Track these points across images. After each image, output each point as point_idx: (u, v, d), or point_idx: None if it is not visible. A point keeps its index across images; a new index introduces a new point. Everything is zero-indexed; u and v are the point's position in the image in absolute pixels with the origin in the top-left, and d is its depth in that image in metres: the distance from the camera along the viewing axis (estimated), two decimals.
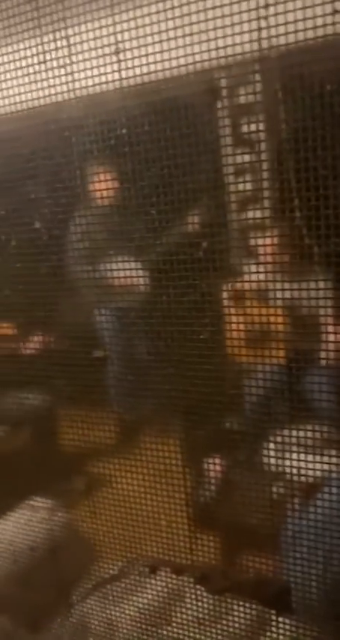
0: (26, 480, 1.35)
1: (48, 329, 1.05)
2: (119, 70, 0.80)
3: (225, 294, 0.98)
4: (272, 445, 0.98)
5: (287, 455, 0.96)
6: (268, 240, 0.93)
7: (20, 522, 1.38)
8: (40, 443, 1.28)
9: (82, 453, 1.18)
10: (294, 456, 0.94)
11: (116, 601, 1.29)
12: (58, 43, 0.82)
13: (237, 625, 1.14)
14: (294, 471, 0.93)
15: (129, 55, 0.80)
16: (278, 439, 0.96)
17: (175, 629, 1.21)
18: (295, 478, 0.95)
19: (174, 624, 1.22)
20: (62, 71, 0.84)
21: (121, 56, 0.79)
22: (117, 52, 0.80)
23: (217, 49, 0.76)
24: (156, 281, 0.91)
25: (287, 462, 0.96)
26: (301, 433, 0.92)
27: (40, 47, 0.83)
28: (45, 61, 0.84)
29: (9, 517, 1.40)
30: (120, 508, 1.16)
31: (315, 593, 0.98)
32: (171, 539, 1.14)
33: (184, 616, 1.20)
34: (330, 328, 0.85)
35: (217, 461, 1.14)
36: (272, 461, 0.99)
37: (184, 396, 0.97)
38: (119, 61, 0.80)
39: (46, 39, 0.83)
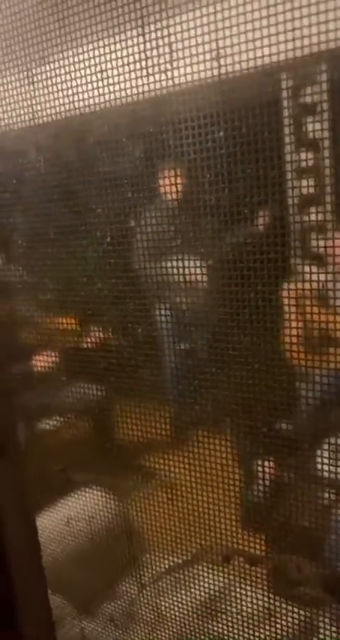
0: (103, 466, 1.42)
1: (137, 321, 1.09)
2: (219, 67, 0.82)
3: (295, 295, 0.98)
4: None
5: None
6: None
7: (97, 504, 1.45)
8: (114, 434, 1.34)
9: (159, 444, 1.23)
10: None
11: (187, 586, 1.33)
12: (160, 42, 0.85)
13: (308, 620, 1.15)
14: None
15: (228, 50, 0.81)
16: None
17: (245, 621, 1.24)
18: None
19: (244, 613, 1.25)
20: (161, 69, 0.86)
21: (221, 52, 0.81)
22: (218, 57, 0.82)
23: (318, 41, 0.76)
24: (242, 279, 0.93)
25: None
26: None
27: (141, 45, 0.86)
28: (146, 58, 0.87)
29: (86, 495, 1.47)
30: (197, 497, 1.19)
31: None
32: (245, 531, 1.17)
33: (255, 607, 1.23)
34: None
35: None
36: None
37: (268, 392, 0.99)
38: (219, 56, 0.82)
39: (147, 37, 0.86)
